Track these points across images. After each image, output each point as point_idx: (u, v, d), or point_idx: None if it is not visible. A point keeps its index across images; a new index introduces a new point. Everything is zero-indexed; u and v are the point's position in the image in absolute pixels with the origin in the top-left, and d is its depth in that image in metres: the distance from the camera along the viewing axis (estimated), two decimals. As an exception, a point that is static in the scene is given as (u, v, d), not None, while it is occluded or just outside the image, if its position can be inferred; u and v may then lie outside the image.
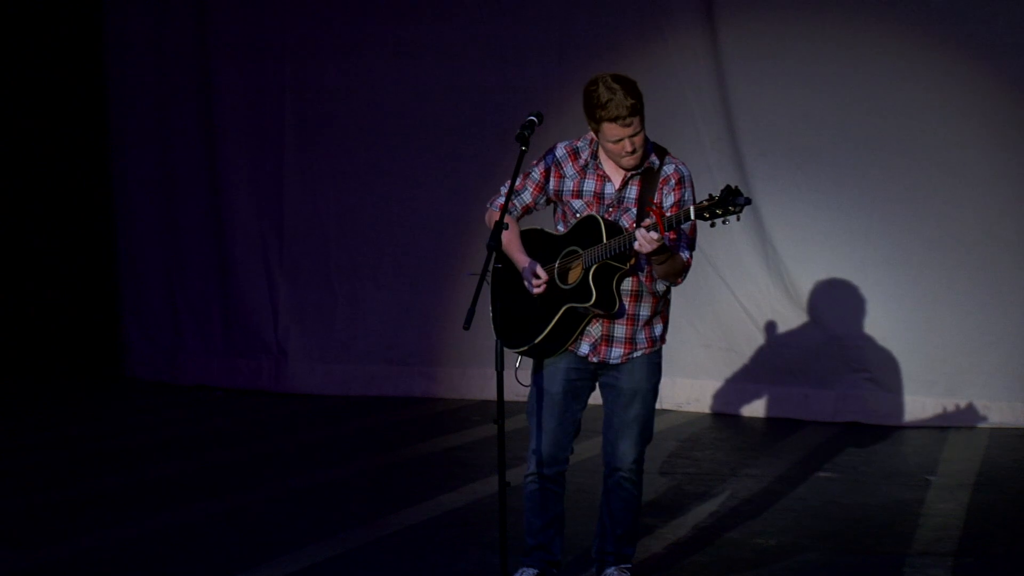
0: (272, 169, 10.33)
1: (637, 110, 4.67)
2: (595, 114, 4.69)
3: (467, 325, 4.62)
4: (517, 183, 4.92)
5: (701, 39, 8.91)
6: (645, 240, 4.51)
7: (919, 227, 8.48)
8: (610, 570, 5.00)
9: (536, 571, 4.98)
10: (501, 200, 4.94)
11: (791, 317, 8.79)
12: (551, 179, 4.91)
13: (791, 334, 8.77)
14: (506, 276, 4.92)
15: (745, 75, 8.82)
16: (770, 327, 8.84)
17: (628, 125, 4.66)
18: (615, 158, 4.76)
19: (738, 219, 4.46)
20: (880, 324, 8.55)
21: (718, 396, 9.05)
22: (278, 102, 10.28)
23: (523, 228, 4.97)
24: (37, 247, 11.36)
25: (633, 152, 4.72)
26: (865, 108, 8.53)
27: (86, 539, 5.91)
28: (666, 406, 9.12)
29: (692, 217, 4.47)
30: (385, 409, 9.55)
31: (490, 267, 4.74)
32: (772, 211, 8.81)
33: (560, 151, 4.92)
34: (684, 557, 5.50)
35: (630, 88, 4.68)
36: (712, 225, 4.50)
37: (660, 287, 4.86)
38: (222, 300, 10.59)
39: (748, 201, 4.39)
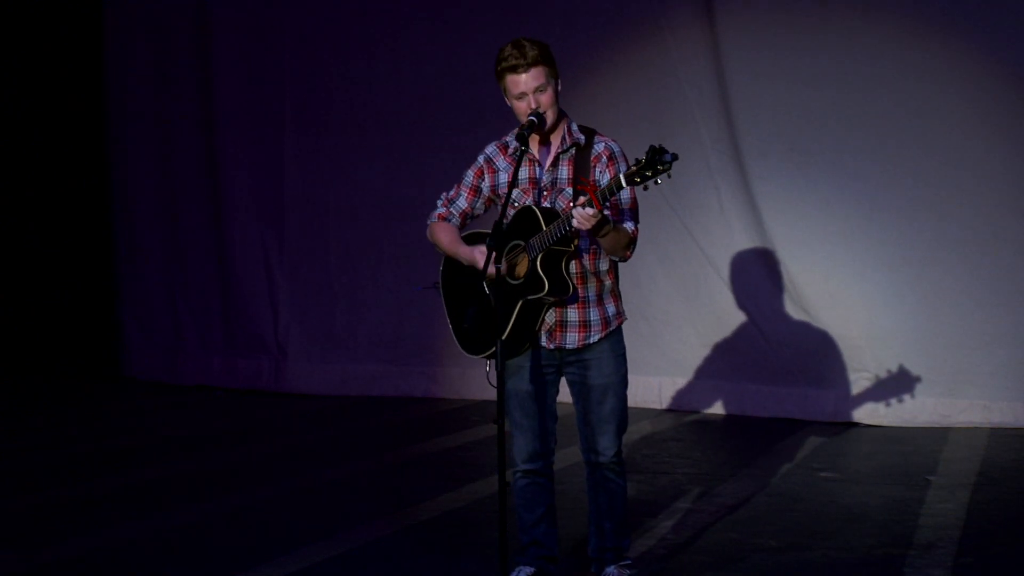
0: (272, 169, 10.34)
1: (537, 61, 4.65)
2: (497, 69, 4.72)
3: (467, 323, 4.62)
4: (452, 192, 5.00)
5: (701, 38, 8.91)
6: (583, 218, 4.48)
7: (920, 227, 8.47)
8: (610, 569, 5.00)
9: (533, 569, 4.98)
10: (440, 211, 5.00)
11: (791, 317, 8.79)
12: (485, 177, 4.94)
13: (791, 334, 8.76)
14: (460, 285, 4.95)
15: (745, 74, 8.81)
16: (770, 327, 8.83)
17: (524, 71, 4.65)
18: (520, 117, 4.73)
19: (669, 176, 4.35)
20: (880, 324, 8.55)
21: (718, 396, 9.05)
22: (278, 102, 10.29)
23: (464, 234, 4.99)
24: (37, 247, 11.37)
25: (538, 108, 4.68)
26: (866, 107, 8.53)
27: (86, 539, 5.91)
28: (666, 406, 9.13)
29: (624, 184, 4.42)
30: (385, 409, 9.55)
31: (491, 267, 4.74)
32: (772, 211, 8.81)
33: (490, 148, 4.97)
34: (684, 557, 5.50)
35: (534, 43, 4.68)
36: (645, 188, 4.42)
37: (603, 266, 4.86)
38: (222, 300, 10.60)
39: (675, 157, 4.32)
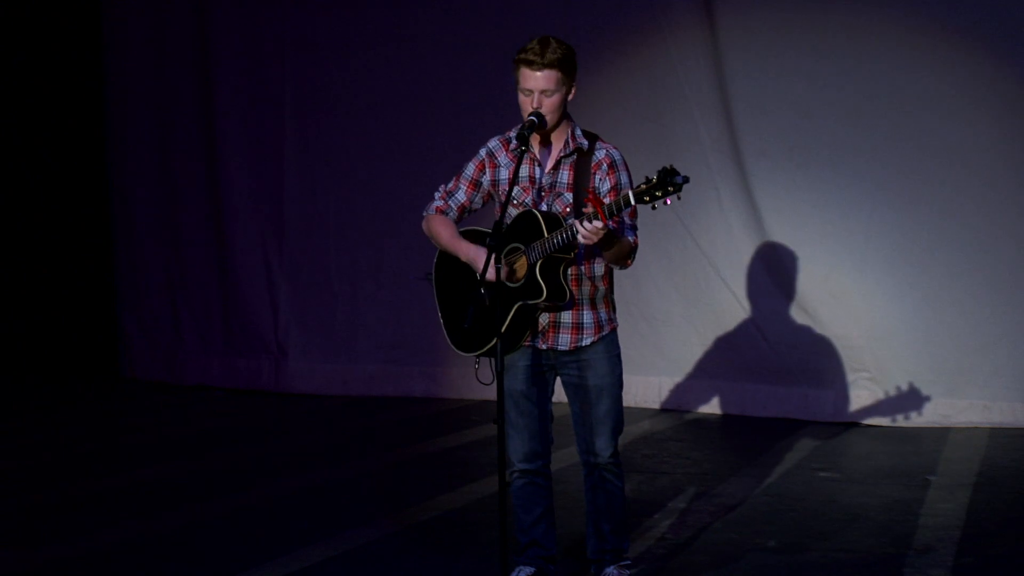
0: (272, 169, 10.33)
1: (553, 64, 4.64)
2: (515, 57, 4.70)
3: (468, 324, 4.62)
4: (451, 185, 4.99)
5: (701, 38, 8.90)
6: (589, 232, 4.48)
7: (919, 226, 8.47)
8: (609, 569, 5.00)
9: (532, 569, 4.98)
10: (438, 204, 4.99)
11: (791, 317, 8.79)
12: (486, 171, 4.94)
13: (791, 334, 8.76)
14: (454, 281, 4.93)
15: (745, 74, 8.81)
16: (770, 327, 8.83)
17: (538, 70, 4.63)
18: (523, 109, 4.73)
19: (679, 199, 4.40)
20: (880, 324, 8.55)
21: (718, 396, 9.05)
22: (278, 101, 10.28)
23: (461, 229, 4.97)
24: (37, 247, 11.37)
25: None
26: (866, 107, 8.52)
27: (86, 539, 5.91)
28: (666, 406, 9.13)
29: (632, 202, 4.42)
30: (385, 409, 9.55)
31: (491, 267, 4.74)
32: (772, 211, 8.81)
33: (493, 142, 4.97)
34: (684, 557, 5.50)
35: (560, 46, 4.67)
36: (653, 207, 4.45)
37: (598, 271, 4.85)
38: (222, 300, 10.59)
39: (686, 179, 4.35)
